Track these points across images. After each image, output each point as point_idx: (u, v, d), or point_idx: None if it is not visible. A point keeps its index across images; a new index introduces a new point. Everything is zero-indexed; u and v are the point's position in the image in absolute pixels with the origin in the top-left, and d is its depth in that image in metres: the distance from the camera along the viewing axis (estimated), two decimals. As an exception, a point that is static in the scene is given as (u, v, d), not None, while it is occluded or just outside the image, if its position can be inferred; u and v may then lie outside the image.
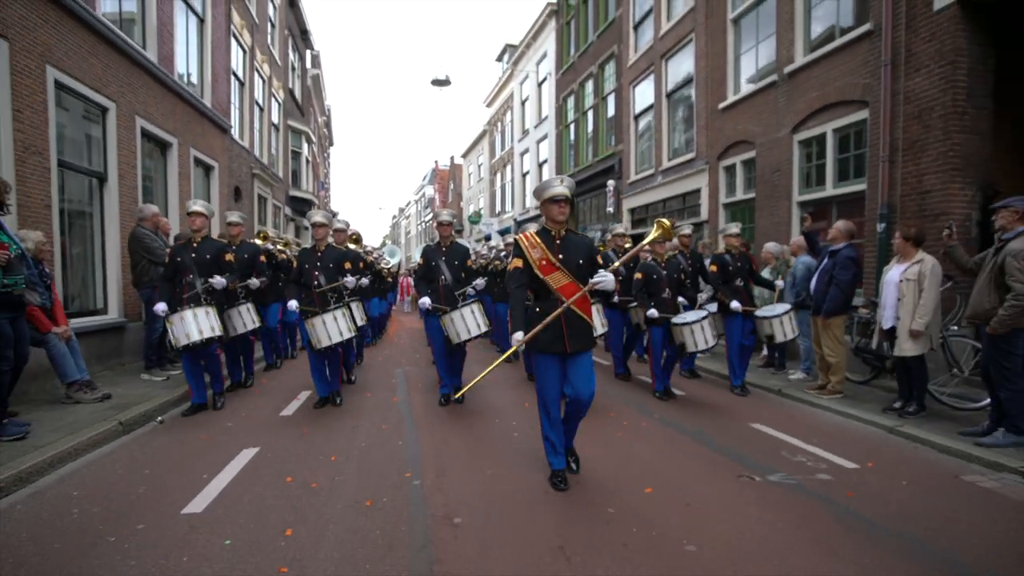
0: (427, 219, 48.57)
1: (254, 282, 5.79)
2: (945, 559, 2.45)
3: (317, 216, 5.26)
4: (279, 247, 7.24)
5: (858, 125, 6.72)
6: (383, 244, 31.99)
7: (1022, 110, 5.91)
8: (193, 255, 4.89)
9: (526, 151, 21.51)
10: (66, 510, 2.90)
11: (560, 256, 3.17)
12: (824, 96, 7.14)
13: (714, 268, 5.77)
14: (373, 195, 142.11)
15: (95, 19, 6.11)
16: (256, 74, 12.89)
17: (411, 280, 15.07)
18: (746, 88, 8.87)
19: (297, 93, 18.39)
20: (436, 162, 44.82)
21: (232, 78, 11.17)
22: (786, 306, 5.69)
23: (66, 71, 5.71)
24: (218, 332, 4.76)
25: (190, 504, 2.95)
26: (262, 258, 6.21)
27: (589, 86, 15.78)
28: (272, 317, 6.85)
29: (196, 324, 4.59)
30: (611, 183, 13.70)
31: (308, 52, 20.55)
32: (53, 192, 5.53)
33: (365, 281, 6.43)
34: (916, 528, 2.73)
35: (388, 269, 11.27)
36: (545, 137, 19.40)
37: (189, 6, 8.93)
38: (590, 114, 15.82)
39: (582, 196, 15.98)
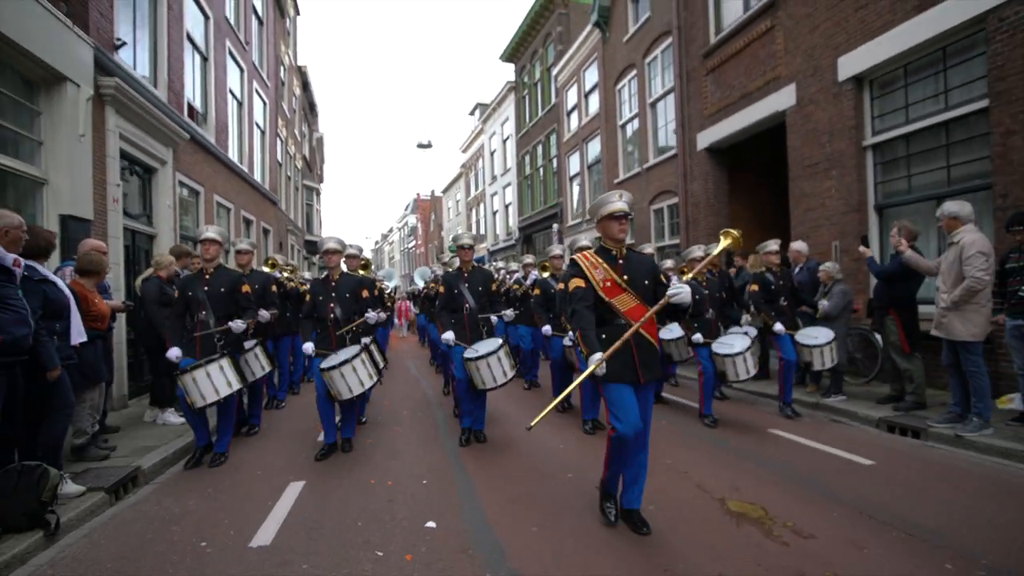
0: (410, 246, 52.94)
1: (264, 315, 5.09)
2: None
3: (330, 243, 4.76)
4: (286, 275, 6.98)
5: (676, 206, 11.45)
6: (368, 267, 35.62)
7: (748, 198, 10.65)
8: (206, 288, 4.38)
9: (495, 193, 26.17)
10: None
11: (625, 277, 2.94)
12: (662, 186, 11.90)
13: (755, 287, 5.57)
14: (355, 220, 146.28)
15: (227, 159, 10.57)
16: (288, 155, 17.37)
17: (409, 303, 18.73)
18: (629, 173, 13.63)
19: (307, 155, 22.86)
20: (418, 194, 49.12)
21: (277, 164, 15.64)
22: (830, 334, 5.47)
23: (219, 194, 10.14)
24: (236, 386, 4.29)
25: None
26: (273, 288, 5.78)
27: (540, 149, 20.55)
28: (283, 352, 6.58)
29: (210, 383, 4.12)
30: (555, 225, 18.38)
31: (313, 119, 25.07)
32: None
33: (383, 316, 5.74)
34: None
35: (388, 294, 11.06)
36: (510, 184, 24.10)
37: (259, 127, 13.43)
38: (541, 170, 20.57)
39: (538, 232, 20.63)
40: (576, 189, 17.28)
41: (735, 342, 5.30)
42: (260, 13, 13.43)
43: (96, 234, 5.64)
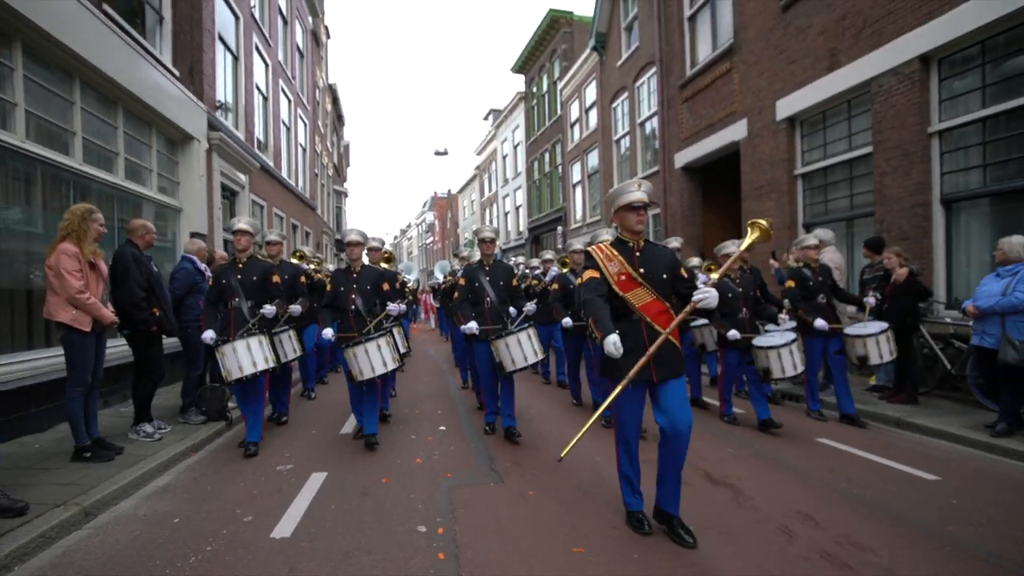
0: (428, 241, 55.14)
1: (296, 308, 5.17)
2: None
3: (352, 235, 4.98)
4: (313, 267, 7.24)
5: (659, 216, 13.29)
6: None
7: (718, 212, 12.44)
8: (239, 277, 4.61)
9: (507, 195, 28.09)
10: None
11: (642, 270, 2.84)
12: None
13: (791, 283, 5.37)
14: (375, 216, 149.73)
15: (281, 177, 12.70)
16: (322, 166, 19.53)
17: (431, 299, 20.55)
18: (622, 183, 15.48)
19: (336, 161, 25.04)
20: (435, 192, 51.16)
21: (314, 175, 17.81)
22: (882, 324, 5.18)
23: (276, 206, 12.27)
24: (271, 363, 4.49)
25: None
26: (302, 279, 5.92)
27: (547, 156, 22.43)
28: (309, 340, 6.62)
29: (250, 356, 4.32)
30: (559, 228, 20.30)
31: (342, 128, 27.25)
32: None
33: (403, 307, 5.84)
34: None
35: (408, 287, 10.95)
36: (520, 187, 26.02)
37: (302, 146, 15.56)
38: (548, 176, 22.45)
39: (546, 233, 22.57)
40: (579, 195, 19.16)
41: (776, 338, 5.04)
42: (302, 48, 15.53)
43: (209, 245, 7.75)
